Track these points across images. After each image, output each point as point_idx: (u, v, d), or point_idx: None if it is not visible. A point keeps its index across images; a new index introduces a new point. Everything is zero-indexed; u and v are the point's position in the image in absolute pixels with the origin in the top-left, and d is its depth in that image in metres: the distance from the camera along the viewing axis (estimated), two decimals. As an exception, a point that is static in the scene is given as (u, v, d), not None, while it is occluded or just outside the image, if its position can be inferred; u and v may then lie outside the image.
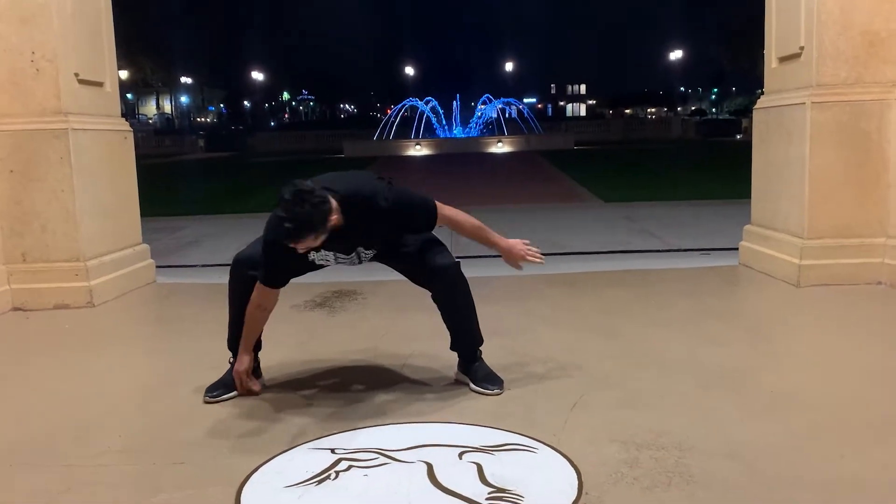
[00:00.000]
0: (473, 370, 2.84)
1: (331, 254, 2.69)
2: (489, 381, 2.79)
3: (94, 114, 4.63)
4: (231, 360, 2.85)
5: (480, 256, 5.93)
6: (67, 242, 4.37)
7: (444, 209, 2.72)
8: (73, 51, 4.41)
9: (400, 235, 2.76)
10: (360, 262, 2.78)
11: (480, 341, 2.89)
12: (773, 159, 4.74)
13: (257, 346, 2.89)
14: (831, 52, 4.23)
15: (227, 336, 2.87)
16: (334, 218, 2.45)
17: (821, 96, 4.24)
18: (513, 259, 2.83)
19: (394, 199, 2.58)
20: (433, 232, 2.79)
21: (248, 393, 2.79)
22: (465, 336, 2.87)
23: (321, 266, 2.78)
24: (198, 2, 57.64)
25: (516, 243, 2.83)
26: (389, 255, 2.81)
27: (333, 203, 2.45)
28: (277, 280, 2.71)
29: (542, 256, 2.85)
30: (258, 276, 2.69)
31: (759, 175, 4.99)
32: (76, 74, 4.44)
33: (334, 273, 5.57)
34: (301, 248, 2.47)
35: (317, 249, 2.60)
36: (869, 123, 4.26)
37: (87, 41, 4.58)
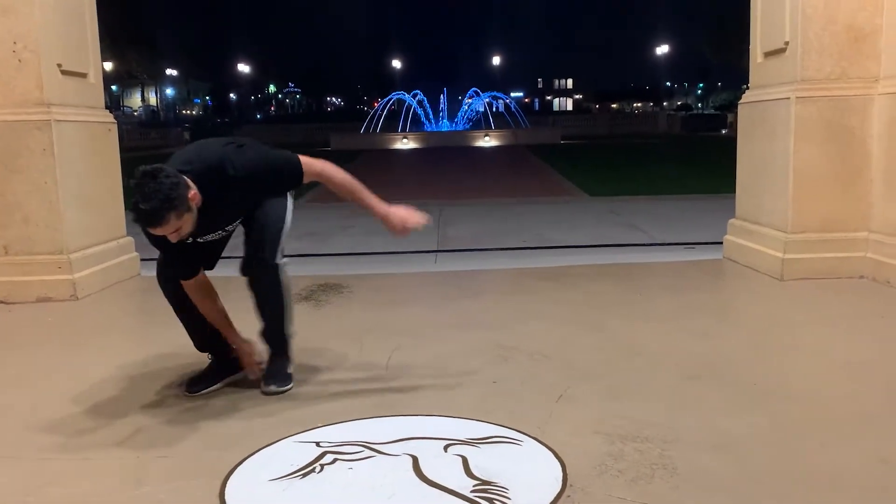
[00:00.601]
0: (268, 365, 2.80)
1: (211, 234, 2.62)
2: (272, 378, 2.74)
3: (77, 105, 4.58)
4: (209, 357, 2.86)
5: (470, 250, 5.95)
6: (51, 235, 4.34)
7: (313, 164, 2.59)
8: (56, 41, 4.37)
9: (264, 197, 2.67)
10: (231, 232, 2.72)
11: (282, 343, 2.80)
12: (758, 154, 4.76)
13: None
14: (816, 47, 4.26)
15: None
16: (192, 194, 2.37)
17: (805, 91, 4.27)
18: (392, 227, 2.64)
19: (243, 166, 2.49)
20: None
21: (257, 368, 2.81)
22: (270, 333, 2.80)
23: (215, 240, 2.69)
24: (183, -7, 57.24)
25: (397, 209, 2.63)
26: (246, 220, 2.71)
27: (188, 180, 2.36)
28: (187, 268, 2.65)
29: (426, 219, 2.66)
30: (174, 273, 2.66)
31: (743, 169, 5.01)
32: (59, 65, 4.39)
33: (320, 266, 5.53)
34: (170, 232, 2.36)
35: (197, 235, 2.51)
36: (852, 118, 4.29)
37: (70, 32, 4.53)
